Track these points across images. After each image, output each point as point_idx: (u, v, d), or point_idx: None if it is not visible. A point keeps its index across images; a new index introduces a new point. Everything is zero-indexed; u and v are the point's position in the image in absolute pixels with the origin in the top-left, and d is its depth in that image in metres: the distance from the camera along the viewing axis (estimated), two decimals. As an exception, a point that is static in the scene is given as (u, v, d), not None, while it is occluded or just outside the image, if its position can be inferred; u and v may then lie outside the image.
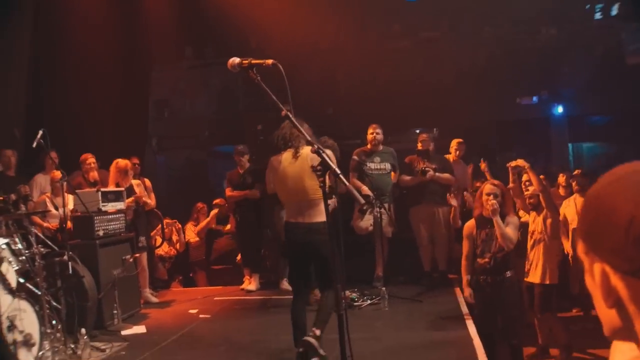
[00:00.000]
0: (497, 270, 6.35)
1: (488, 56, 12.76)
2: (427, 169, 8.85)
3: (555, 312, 7.43)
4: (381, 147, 9.00)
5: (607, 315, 1.18)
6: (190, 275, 11.07)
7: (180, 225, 10.72)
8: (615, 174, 1.16)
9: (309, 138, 3.27)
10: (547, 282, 7.16)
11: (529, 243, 7.22)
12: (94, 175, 8.56)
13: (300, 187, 5.38)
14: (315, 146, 3.19)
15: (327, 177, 3.30)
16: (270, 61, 3.34)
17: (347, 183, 3.22)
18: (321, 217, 5.26)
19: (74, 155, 8.50)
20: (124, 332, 7.08)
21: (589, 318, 8.47)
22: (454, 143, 9.77)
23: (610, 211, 1.11)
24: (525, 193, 7.36)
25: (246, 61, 3.37)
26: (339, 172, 3.18)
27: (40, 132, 6.40)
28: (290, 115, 3.27)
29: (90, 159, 8.60)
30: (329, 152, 4.72)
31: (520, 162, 7.14)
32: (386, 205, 8.42)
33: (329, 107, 10.78)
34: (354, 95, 11.33)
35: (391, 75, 11.96)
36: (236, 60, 3.38)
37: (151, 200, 9.01)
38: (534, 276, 7.21)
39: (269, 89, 3.28)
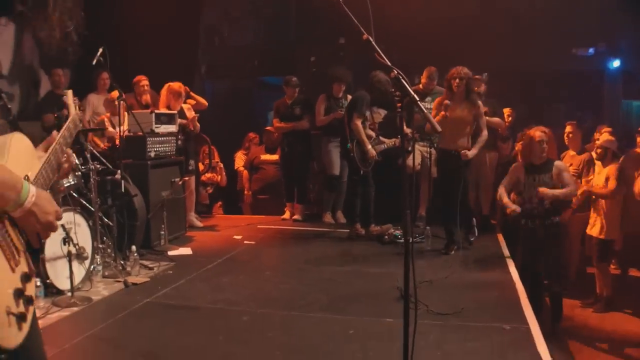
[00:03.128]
0: (544, 214, 6.46)
1: (546, 3, 12.40)
2: None
3: (609, 265, 7.57)
4: (433, 88, 8.94)
5: None
6: (240, 205, 11.20)
7: (222, 165, 10.84)
8: None
9: (389, 63, 3.23)
10: (603, 237, 7.31)
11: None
12: (147, 98, 8.61)
13: None
14: (395, 71, 3.16)
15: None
16: None
17: (424, 110, 3.21)
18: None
19: (124, 77, 8.50)
20: (170, 253, 7.24)
21: (625, 277, 8.51)
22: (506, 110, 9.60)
23: None
24: (596, 143, 7.48)
25: None
26: (417, 98, 3.16)
27: (100, 50, 6.44)
28: (372, 40, 3.22)
29: (144, 81, 8.64)
30: None
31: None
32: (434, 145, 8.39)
33: (381, 43, 10.59)
34: (407, 33, 11.13)
35: (446, 14, 11.73)
36: None
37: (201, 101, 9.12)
38: (595, 229, 7.35)
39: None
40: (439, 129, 3.44)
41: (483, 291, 5.87)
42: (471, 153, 7.31)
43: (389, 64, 3.19)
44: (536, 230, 6.61)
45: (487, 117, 8.73)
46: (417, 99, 3.17)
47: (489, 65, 11.11)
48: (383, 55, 3.20)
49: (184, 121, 8.44)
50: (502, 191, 6.97)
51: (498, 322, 4.87)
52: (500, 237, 8.31)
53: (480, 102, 7.48)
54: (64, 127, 2.24)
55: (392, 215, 8.47)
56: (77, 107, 2.47)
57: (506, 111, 9.41)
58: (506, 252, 7.54)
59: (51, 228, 1.88)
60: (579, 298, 7.86)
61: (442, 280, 6.10)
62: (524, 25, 11.60)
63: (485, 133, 7.42)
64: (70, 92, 2.52)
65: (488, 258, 7.29)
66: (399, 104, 3.19)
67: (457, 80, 7.29)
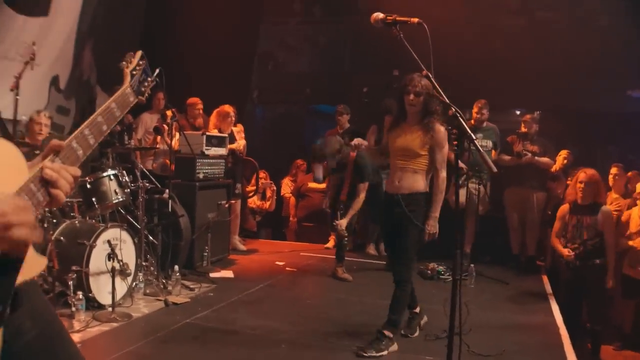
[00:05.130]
0: (586, 256, 6.54)
1: (602, 44, 12.25)
2: (524, 152, 8.71)
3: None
4: (485, 124, 8.87)
5: None
6: (284, 231, 11.23)
7: (275, 187, 10.90)
8: None
9: (447, 101, 3.23)
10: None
11: (626, 232, 7.18)
12: (200, 121, 8.71)
13: None
14: (453, 109, 3.16)
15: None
16: (415, 20, 3.33)
17: (480, 149, 3.20)
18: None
19: (177, 98, 8.57)
20: (212, 275, 7.26)
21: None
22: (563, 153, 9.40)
23: None
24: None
25: (390, 17, 3.41)
26: (474, 137, 3.15)
27: (157, 71, 6.51)
28: (431, 76, 3.23)
29: (200, 105, 8.75)
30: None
31: None
32: (483, 182, 8.31)
33: (435, 78, 10.56)
34: (461, 68, 11.09)
35: (501, 52, 11.66)
36: (380, 15, 3.43)
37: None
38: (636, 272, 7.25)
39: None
40: (495, 169, 3.35)
41: (525, 334, 5.75)
42: (431, 225, 4.94)
43: (447, 101, 3.19)
44: (575, 271, 6.59)
45: (536, 157, 8.66)
46: (474, 137, 3.16)
47: (541, 103, 11.03)
48: (442, 92, 3.21)
49: (234, 146, 8.51)
50: (555, 241, 7.00)
51: (540, 367, 4.77)
52: (545, 279, 8.17)
53: (441, 128, 4.93)
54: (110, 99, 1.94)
55: (436, 251, 8.40)
56: (133, 79, 2.06)
57: (563, 153, 9.23)
58: (550, 293, 7.41)
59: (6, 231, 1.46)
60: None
61: (485, 319, 6.00)
62: (579, 65, 11.46)
63: (442, 176, 4.99)
64: (138, 54, 2.19)
65: (532, 300, 7.16)
66: (455, 142, 3.18)
67: (412, 96, 4.94)
